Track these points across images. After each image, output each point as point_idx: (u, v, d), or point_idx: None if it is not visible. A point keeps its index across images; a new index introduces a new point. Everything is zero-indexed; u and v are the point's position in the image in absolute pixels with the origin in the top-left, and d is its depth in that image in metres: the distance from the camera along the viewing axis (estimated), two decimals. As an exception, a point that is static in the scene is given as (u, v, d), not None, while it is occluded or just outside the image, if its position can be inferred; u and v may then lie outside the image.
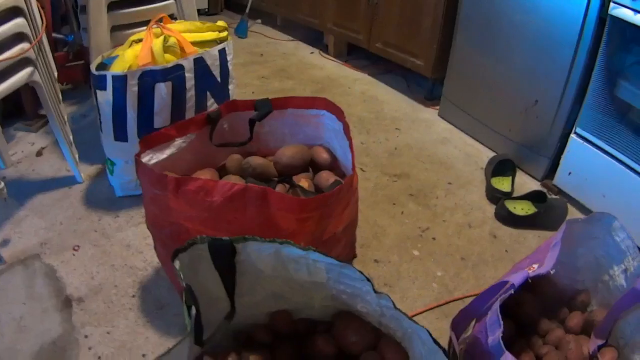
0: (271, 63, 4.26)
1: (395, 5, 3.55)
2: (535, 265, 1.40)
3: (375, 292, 1.16)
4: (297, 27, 4.92)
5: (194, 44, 2.37)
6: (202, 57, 2.31)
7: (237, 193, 1.46)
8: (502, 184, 2.64)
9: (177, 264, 1.14)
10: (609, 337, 1.49)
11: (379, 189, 2.62)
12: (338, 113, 1.89)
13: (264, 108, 1.96)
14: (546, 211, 2.36)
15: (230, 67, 2.48)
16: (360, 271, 1.16)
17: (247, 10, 4.87)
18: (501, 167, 2.72)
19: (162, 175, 1.51)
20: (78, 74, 3.36)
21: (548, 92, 2.56)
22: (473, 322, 1.51)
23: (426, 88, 3.63)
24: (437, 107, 3.43)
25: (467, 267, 2.14)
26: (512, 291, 1.32)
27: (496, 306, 1.31)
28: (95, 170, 2.71)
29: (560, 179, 2.59)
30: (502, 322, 1.25)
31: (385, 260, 2.16)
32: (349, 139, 1.75)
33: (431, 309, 1.94)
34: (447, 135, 3.17)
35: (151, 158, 1.75)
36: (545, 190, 2.54)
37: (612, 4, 2.15)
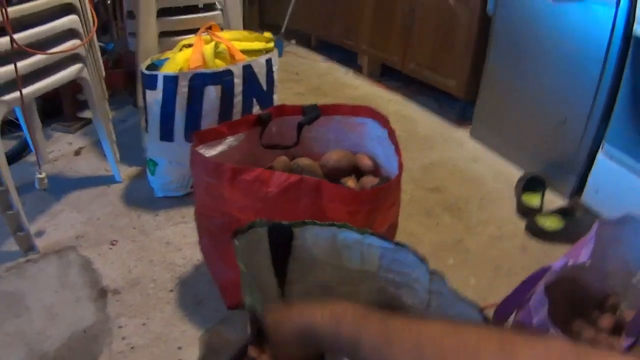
0: (306, 81, 4.31)
1: (429, 28, 3.61)
2: (571, 260, 1.43)
3: (431, 272, 1.19)
4: (330, 49, 4.97)
5: (242, 52, 2.44)
6: (250, 64, 2.37)
7: (293, 184, 1.50)
8: (532, 200, 2.66)
9: (236, 242, 1.17)
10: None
11: (415, 201, 2.65)
12: (382, 120, 1.93)
13: (312, 112, 2.00)
14: (574, 227, 2.37)
15: (275, 77, 2.54)
16: (415, 252, 1.18)
17: (282, 30, 4.92)
18: (531, 183, 2.74)
19: (219, 164, 1.54)
20: (118, 80, 3.43)
21: (576, 110, 2.59)
22: (513, 315, 1.54)
23: (457, 109, 3.66)
24: (468, 128, 3.46)
25: (499, 276, 2.16)
26: (555, 275, 1.36)
27: (541, 287, 1.34)
28: (134, 172, 2.76)
29: (587, 196, 2.60)
30: (547, 300, 1.28)
31: (422, 268, 2.18)
32: (395, 142, 1.79)
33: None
34: (478, 154, 3.20)
35: (203, 153, 1.79)
36: (573, 207, 2.54)
37: (636, 25, 2.18)
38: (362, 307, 0.91)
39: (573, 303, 1.66)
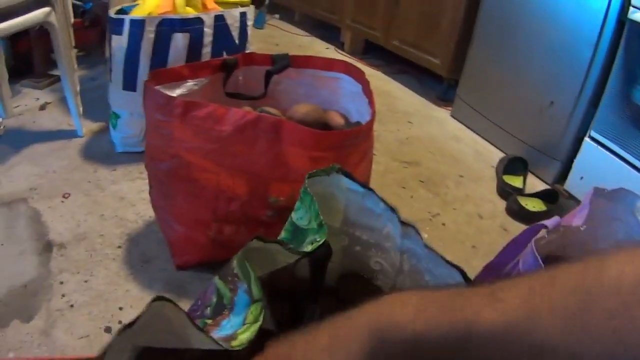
0: (285, 52, 4.19)
1: (415, 4, 3.53)
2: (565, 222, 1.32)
3: (403, 224, 1.03)
4: (314, 24, 4.91)
5: (217, 3, 2.35)
6: (223, 15, 2.27)
7: (249, 122, 1.39)
8: (514, 181, 2.58)
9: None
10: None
11: (389, 172, 2.56)
12: (358, 75, 1.83)
13: (282, 61, 1.90)
14: (557, 211, 2.29)
15: (249, 32, 2.44)
16: (383, 199, 1.04)
17: (266, 2, 4.86)
18: (513, 165, 2.67)
19: (171, 98, 1.43)
20: (92, 38, 3.36)
21: (564, 94, 2.52)
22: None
23: (439, 90, 3.60)
24: (450, 108, 3.40)
25: (477, 255, 2.06)
26: (545, 234, 1.23)
27: (532, 246, 1.20)
28: (97, 127, 2.66)
29: (571, 183, 2.54)
30: (542, 263, 1.15)
31: (395, 239, 2.08)
32: (370, 96, 1.69)
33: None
34: (458, 134, 3.12)
35: (159, 94, 1.67)
36: (556, 191, 2.45)
37: (631, 8, 2.13)
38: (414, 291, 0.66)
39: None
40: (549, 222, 1.27)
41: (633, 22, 2.14)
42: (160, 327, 0.84)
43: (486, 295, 0.59)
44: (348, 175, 1.06)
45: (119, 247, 1.88)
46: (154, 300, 0.76)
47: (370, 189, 1.05)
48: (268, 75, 1.91)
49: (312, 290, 1.13)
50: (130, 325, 0.74)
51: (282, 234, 1.08)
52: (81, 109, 2.57)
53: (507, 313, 0.55)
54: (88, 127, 2.64)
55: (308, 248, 0.96)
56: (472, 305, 0.58)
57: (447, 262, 0.96)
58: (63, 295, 1.66)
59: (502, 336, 0.55)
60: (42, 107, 2.84)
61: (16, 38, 2.96)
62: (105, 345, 0.69)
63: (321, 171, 1.06)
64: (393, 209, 1.03)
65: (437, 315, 0.60)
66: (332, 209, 1.11)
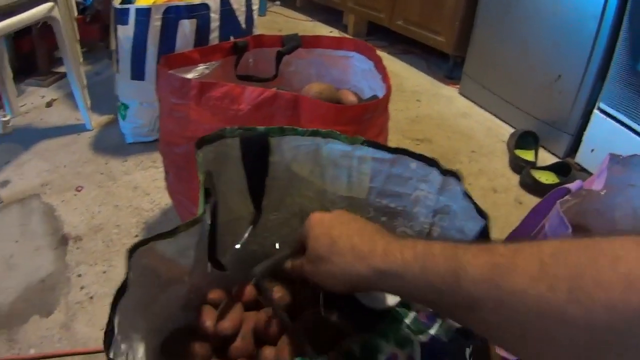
0: (289, 38, 4.21)
1: None
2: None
3: (444, 173, 0.99)
4: (316, 10, 4.89)
5: None
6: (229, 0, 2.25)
7: (267, 99, 1.38)
8: (526, 155, 2.58)
9: (199, 156, 1.02)
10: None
11: (402, 150, 2.53)
12: (369, 52, 1.82)
13: (292, 42, 1.88)
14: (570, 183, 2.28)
15: (254, 17, 2.43)
16: (420, 155, 1.01)
17: (266, -11, 4.82)
18: (524, 140, 2.67)
19: (186, 80, 1.42)
20: (94, 34, 3.36)
21: (571, 67, 2.52)
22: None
23: (446, 68, 3.59)
24: (457, 86, 3.39)
25: (494, 228, 2.04)
26: (569, 197, 1.23)
27: (557, 208, 1.20)
28: (105, 120, 2.67)
29: (582, 156, 2.53)
30: (568, 224, 1.14)
31: (410, 216, 2.08)
32: (383, 72, 1.67)
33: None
34: (467, 111, 3.12)
35: (171, 79, 1.66)
36: (568, 164, 2.44)
37: None
38: (430, 241, 0.75)
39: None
40: (572, 186, 1.27)
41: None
42: (157, 280, 0.88)
43: (483, 248, 0.66)
44: (373, 144, 1.04)
45: (136, 236, 1.87)
46: (130, 254, 0.79)
47: (400, 152, 1.02)
48: (279, 56, 1.89)
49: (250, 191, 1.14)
50: (121, 291, 0.74)
51: None
52: (89, 102, 2.56)
53: (493, 258, 0.62)
54: (96, 120, 2.64)
55: None
56: (467, 254, 0.66)
57: (478, 211, 0.98)
58: (82, 288, 1.66)
59: (487, 278, 0.61)
60: (49, 104, 2.84)
61: (18, 38, 2.95)
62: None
63: (344, 137, 1.05)
64: (432, 161, 1.00)
65: (435, 259, 0.69)
66: (356, 182, 1.10)
